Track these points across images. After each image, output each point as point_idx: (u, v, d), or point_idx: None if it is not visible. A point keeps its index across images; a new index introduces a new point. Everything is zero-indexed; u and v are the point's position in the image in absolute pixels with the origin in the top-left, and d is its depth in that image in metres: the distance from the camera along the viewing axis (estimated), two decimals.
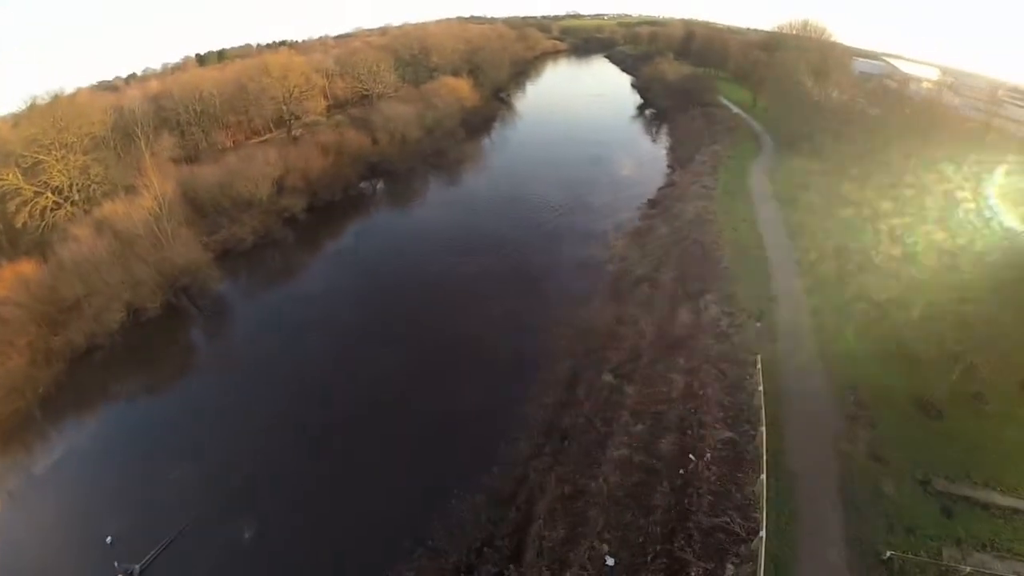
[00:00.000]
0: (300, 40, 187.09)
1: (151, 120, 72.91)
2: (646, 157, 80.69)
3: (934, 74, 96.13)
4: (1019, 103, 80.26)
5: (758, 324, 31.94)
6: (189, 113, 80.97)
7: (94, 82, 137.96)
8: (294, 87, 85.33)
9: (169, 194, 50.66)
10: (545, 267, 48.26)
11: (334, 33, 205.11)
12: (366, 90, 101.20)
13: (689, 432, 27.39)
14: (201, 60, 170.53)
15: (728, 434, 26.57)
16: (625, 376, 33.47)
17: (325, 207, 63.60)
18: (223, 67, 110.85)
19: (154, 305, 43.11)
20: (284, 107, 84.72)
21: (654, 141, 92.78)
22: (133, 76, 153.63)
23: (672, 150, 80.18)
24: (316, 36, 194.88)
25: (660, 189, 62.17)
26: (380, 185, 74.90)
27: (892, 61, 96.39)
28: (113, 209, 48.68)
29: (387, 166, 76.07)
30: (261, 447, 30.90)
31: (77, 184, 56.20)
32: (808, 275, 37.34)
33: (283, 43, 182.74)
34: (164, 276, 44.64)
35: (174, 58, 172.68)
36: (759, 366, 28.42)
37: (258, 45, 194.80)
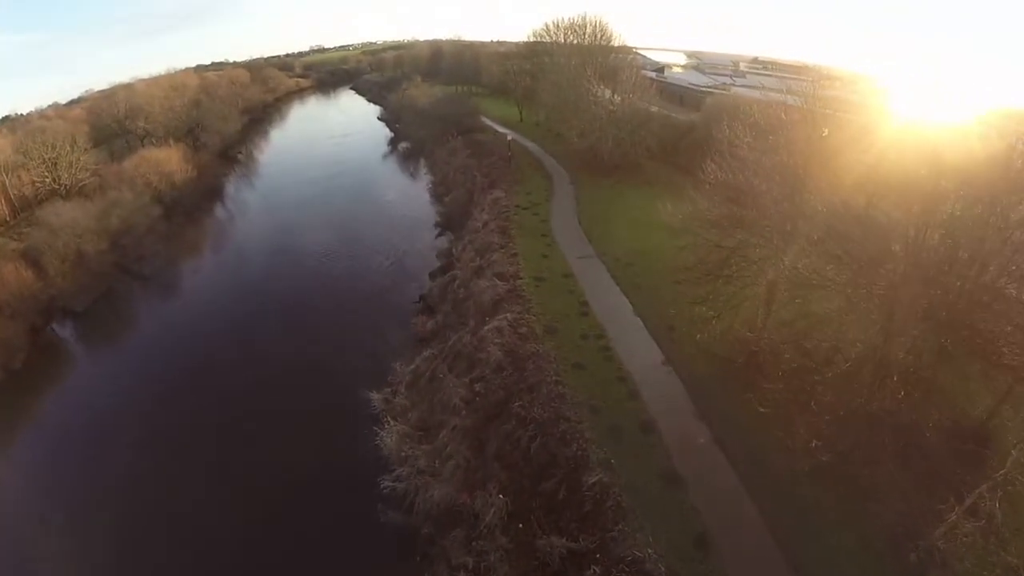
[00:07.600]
0: (26, 112, 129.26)
1: None
2: (407, 213, 60.88)
3: (682, 59, 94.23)
4: (759, 72, 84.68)
5: None
6: None
7: None
8: None
9: None
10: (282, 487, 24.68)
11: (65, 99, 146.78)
12: (56, 182, 66.91)
13: None
14: None
15: None
16: None
17: None
18: None
19: None
20: None
21: (414, 181, 75.51)
22: None
23: (439, 199, 60.88)
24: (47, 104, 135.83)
25: (435, 277, 41.10)
26: (66, 333, 45.66)
27: (643, 52, 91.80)
28: None
29: (68, 303, 46.35)
30: None
31: None
32: (734, 446, 19.35)
33: (5, 119, 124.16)
34: None
35: None
36: None
37: None
